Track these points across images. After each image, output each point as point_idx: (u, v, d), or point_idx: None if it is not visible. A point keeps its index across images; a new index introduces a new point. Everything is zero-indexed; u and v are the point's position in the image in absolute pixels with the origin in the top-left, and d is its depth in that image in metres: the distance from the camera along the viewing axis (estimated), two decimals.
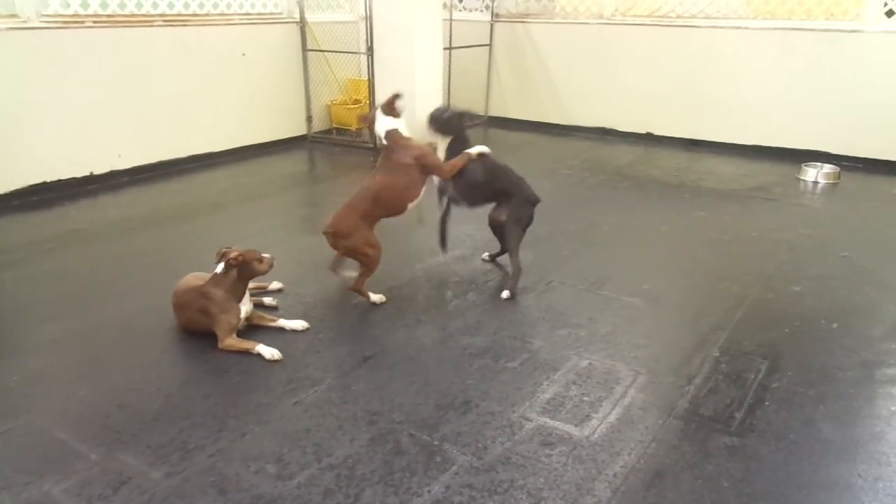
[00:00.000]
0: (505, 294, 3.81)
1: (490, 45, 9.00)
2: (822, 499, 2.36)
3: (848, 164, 6.86)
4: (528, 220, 3.94)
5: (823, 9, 7.06)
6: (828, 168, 6.54)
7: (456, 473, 2.43)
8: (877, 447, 2.63)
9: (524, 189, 3.93)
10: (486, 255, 4.34)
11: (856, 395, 2.97)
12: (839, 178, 6.47)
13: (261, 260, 3.35)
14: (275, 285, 3.88)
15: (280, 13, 7.47)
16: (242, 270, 3.29)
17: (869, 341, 3.45)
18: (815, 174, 6.49)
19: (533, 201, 3.92)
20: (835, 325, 3.60)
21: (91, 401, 2.84)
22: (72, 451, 2.52)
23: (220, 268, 3.28)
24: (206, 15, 6.71)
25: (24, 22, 5.27)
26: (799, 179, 6.52)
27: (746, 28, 7.36)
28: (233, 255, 3.25)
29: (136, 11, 6.10)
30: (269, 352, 3.17)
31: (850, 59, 6.87)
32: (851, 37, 6.83)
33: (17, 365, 3.11)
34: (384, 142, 3.88)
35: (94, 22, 5.75)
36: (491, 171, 3.96)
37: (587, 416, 2.78)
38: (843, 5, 6.96)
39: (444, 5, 7.65)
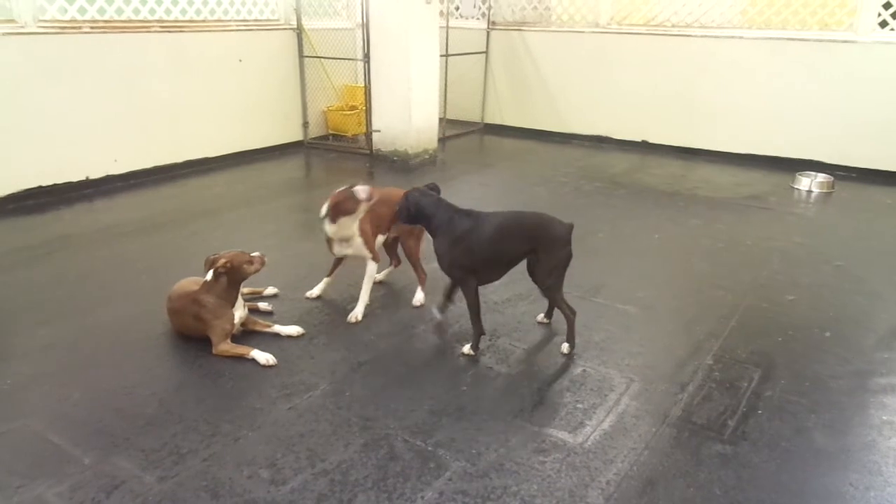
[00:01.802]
0: (565, 348, 3.33)
1: (486, 52, 9.04)
2: None
3: (842, 173, 6.91)
4: (567, 258, 3.30)
5: (817, 19, 7.12)
6: (821, 177, 6.58)
7: (449, 479, 2.44)
8: (869, 456, 2.64)
9: (553, 228, 3.29)
10: (540, 316, 3.67)
11: (848, 405, 2.99)
12: (833, 188, 6.51)
13: (251, 261, 3.35)
14: (270, 290, 3.88)
15: (277, 20, 7.49)
16: (233, 276, 3.29)
17: (862, 350, 3.46)
18: (808, 183, 6.53)
19: (563, 235, 3.28)
20: (828, 334, 3.61)
21: (85, 405, 2.84)
22: (65, 455, 2.52)
23: (210, 275, 3.28)
24: (203, 21, 6.72)
25: (22, 27, 5.28)
26: (793, 188, 6.56)
27: (741, 37, 7.41)
28: (221, 262, 3.25)
29: (133, 17, 6.12)
30: (263, 357, 3.17)
31: (843, 68, 6.92)
32: (845, 47, 6.89)
33: (10, 369, 3.10)
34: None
35: (92, 27, 5.76)
36: (507, 227, 3.31)
37: (581, 423, 2.79)
38: (837, 16, 7.03)
39: (441, 13, 7.69)
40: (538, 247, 3.24)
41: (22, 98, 5.34)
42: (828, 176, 6.63)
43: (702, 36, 7.63)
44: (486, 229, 3.21)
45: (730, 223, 5.52)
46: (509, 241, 3.25)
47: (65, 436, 2.63)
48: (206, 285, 3.29)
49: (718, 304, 3.95)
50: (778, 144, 7.40)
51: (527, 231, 3.28)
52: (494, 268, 3.33)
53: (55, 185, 5.66)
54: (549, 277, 3.27)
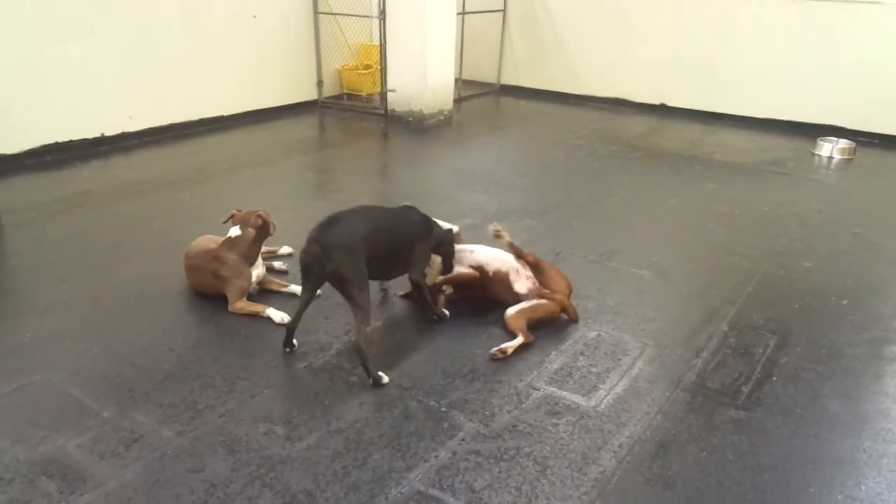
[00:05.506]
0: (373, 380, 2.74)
1: (504, 10, 8.86)
2: (827, 474, 2.38)
3: (864, 139, 6.78)
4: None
5: None
6: (843, 143, 6.47)
7: (462, 440, 2.46)
8: (883, 424, 2.64)
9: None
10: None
11: (864, 372, 2.98)
12: (854, 154, 6.40)
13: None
14: (285, 250, 3.90)
15: None
16: (262, 231, 3.32)
17: (879, 318, 3.44)
18: (829, 149, 6.42)
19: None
20: (845, 302, 3.59)
21: (104, 360, 2.88)
22: (85, 408, 2.56)
23: (234, 231, 3.29)
24: None
25: None
26: (813, 154, 6.45)
27: None
28: (260, 213, 3.30)
29: None
30: (278, 315, 3.19)
31: (868, 32, 6.74)
32: (871, 9, 6.69)
33: (31, 323, 3.14)
34: None
35: None
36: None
37: (594, 386, 2.80)
38: None
39: None
40: None
41: (38, 54, 5.30)
42: (849, 142, 6.51)
43: None
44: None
45: (747, 189, 5.45)
46: None
47: (85, 389, 2.67)
48: (229, 242, 3.30)
49: (734, 270, 3.93)
50: (799, 109, 7.25)
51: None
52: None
53: (71, 141, 5.66)
54: None
